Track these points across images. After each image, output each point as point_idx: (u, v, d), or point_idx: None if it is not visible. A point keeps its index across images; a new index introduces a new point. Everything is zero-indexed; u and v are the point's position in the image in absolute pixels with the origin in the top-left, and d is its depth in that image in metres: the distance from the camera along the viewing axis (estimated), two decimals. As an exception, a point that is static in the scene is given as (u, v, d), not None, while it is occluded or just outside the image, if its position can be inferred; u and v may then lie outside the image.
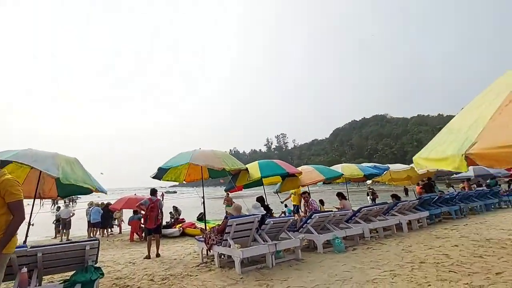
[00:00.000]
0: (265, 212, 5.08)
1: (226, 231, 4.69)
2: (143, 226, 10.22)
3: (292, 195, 11.34)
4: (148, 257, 6.44)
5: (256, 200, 5.88)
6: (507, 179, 17.99)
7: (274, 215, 6.40)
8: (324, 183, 8.83)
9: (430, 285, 3.78)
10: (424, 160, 2.47)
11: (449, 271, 4.31)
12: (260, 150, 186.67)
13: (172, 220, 12.24)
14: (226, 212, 15.83)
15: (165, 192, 44.15)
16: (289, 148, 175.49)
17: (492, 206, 12.29)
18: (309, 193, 7.23)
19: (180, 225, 11.51)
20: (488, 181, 15.25)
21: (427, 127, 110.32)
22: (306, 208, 7.02)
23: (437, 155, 2.16)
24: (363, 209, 6.92)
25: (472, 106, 2.29)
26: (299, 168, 7.62)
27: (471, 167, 16.09)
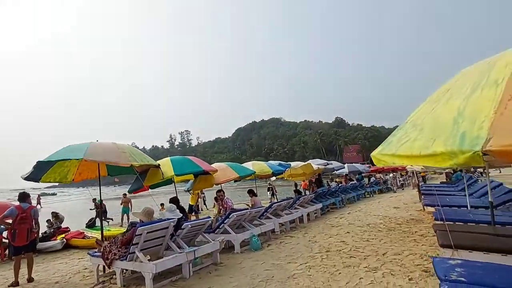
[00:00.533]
0: (181, 215, 4.45)
1: (134, 241, 3.83)
2: (5, 241, 7.70)
3: (191, 195, 10.71)
4: (15, 284, 4.75)
5: (170, 202, 5.14)
6: (368, 174, 22.29)
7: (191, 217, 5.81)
8: (234, 180, 8.69)
9: (340, 272, 4.05)
10: (391, 157, 2.43)
11: (350, 256, 4.79)
12: (162, 146, 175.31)
13: (51, 230, 9.75)
14: (124, 215, 13.90)
15: (41, 195, 34.67)
16: (193, 145, 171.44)
17: (361, 196, 14.99)
18: (223, 192, 6.92)
19: (63, 235, 9.27)
20: (357, 176, 18.49)
21: (311, 131, 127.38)
22: (221, 207, 6.67)
23: (414, 151, 2.10)
24: (274, 205, 7.10)
25: (438, 99, 2.41)
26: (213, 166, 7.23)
27: (346, 165, 19.33)
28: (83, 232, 9.57)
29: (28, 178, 4.64)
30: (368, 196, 16.06)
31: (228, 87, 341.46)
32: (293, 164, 11.69)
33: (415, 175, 16.51)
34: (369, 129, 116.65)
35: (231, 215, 5.36)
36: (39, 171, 4.81)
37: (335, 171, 17.05)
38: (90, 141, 4.82)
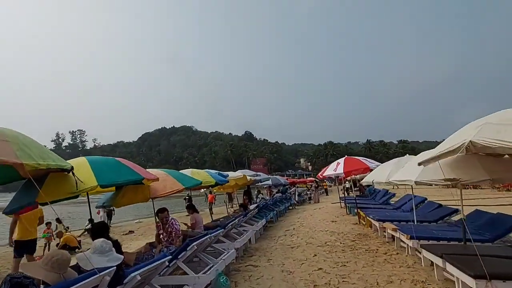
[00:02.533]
0: (121, 258, 2.40)
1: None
2: None
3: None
4: None
5: (95, 230, 2.97)
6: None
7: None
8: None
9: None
10: None
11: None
12: (45, 146, 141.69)
13: None
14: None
15: None
16: (88, 148, 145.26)
17: (287, 209, 14.76)
18: (167, 210, 4.84)
19: None
20: (281, 188, 18.46)
21: (221, 142, 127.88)
22: (164, 232, 4.57)
23: None
24: (229, 224, 5.52)
25: None
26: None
27: (270, 176, 19.17)
28: None
29: None
30: (291, 208, 16.02)
31: (137, 87, 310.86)
32: (231, 174, 10.30)
33: (337, 187, 17.42)
34: (273, 145, 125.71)
35: (189, 246, 3.55)
36: None
37: (261, 183, 16.47)
38: None
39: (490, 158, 3.96)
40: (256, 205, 9.32)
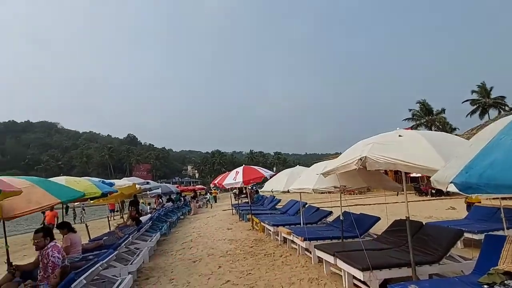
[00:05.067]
0: None
1: None
2: None
3: None
4: None
5: None
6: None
7: None
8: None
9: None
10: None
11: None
12: None
13: None
14: None
15: None
16: None
17: (179, 218, 13.81)
18: (50, 231, 3.27)
19: None
20: (174, 196, 17.16)
21: (97, 145, 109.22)
22: (40, 263, 3.03)
23: None
24: (122, 244, 4.47)
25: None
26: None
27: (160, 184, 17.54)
28: None
29: None
30: (183, 218, 15.12)
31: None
32: (117, 182, 8.69)
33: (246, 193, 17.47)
34: (160, 150, 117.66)
35: (75, 282, 2.56)
36: None
37: (150, 191, 14.79)
38: None
39: (364, 170, 4.94)
40: (149, 216, 8.17)
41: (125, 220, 9.65)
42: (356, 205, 14.04)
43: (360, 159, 3.37)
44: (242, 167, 9.34)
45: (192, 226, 11.26)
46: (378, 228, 6.04)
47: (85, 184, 5.87)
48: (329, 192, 5.80)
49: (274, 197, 12.54)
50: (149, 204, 17.30)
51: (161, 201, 16.62)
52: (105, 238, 6.18)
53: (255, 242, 7.23)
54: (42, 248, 3.33)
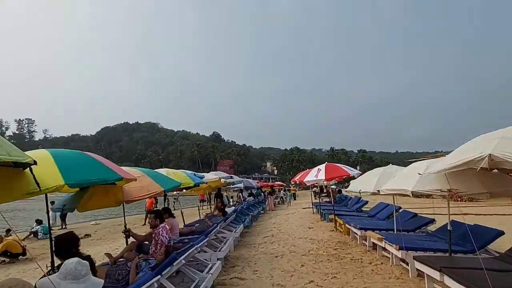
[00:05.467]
0: (100, 282, 1.77)
1: None
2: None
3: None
4: None
5: (60, 249, 2.26)
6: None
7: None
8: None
9: None
10: None
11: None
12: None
13: None
14: None
15: None
16: (36, 139, 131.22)
17: (260, 213, 14.42)
18: (162, 214, 4.07)
19: None
20: (255, 191, 18.09)
21: (188, 142, 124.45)
22: (153, 239, 3.76)
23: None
24: (212, 232, 4.96)
25: None
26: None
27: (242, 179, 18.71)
28: None
29: None
30: (263, 212, 15.73)
31: (98, 79, 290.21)
32: (206, 176, 9.68)
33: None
34: (241, 147, 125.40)
35: (176, 261, 2.98)
36: None
37: (233, 185, 15.95)
38: None
39: (484, 172, 4.01)
40: (233, 209, 8.82)
41: (212, 210, 10.71)
42: (465, 214, 11.71)
43: (485, 157, 2.74)
44: (324, 164, 9.02)
45: (272, 221, 11.57)
46: (498, 245, 4.92)
47: (181, 175, 6.75)
48: (428, 197, 4.98)
49: (361, 198, 11.65)
50: (232, 197, 18.64)
51: (241, 195, 17.74)
52: (196, 225, 6.96)
53: (339, 245, 6.89)
54: (154, 227, 4.01)
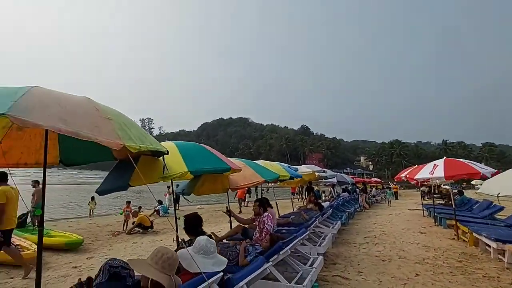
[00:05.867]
0: (225, 261, 2.05)
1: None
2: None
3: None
4: None
5: (189, 226, 2.71)
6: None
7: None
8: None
9: None
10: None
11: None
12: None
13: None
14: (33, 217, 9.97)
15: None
16: (155, 134, 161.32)
17: (356, 211, 13.53)
18: (264, 203, 4.45)
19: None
20: (350, 187, 17.16)
21: (277, 135, 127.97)
22: (257, 226, 4.10)
23: None
24: (311, 225, 4.95)
25: None
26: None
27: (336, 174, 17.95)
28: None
29: None
30: (359, 210, 14.72)
31: (198, 80, 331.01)
32: (300, 169, 9.73)
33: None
34: (331, 140, 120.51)
35: (283, 250, 3.09)
36: None
37: (327, 179, 15.47)
38: (31, 85, 2.20)
39: None
40: (328, 204, 8.56)
41: (304, 203, 10.69)
42: None
43: None
44: (443, 159, 7.65)
45: (372, 221, 10.68)
46: None
47: (277, 167, 6.97)
48: None
49: (492, 202, 9.40)
50: (324, 192, 18.17)
51: (333, 190, 17.05)
52: (292, 217, 7.08)
53: (463, 256, 5.76)
54: (258, 214, 4.28)
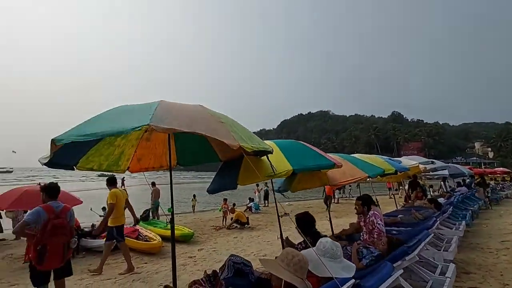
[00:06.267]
0: (354, 267, 1.91)
1: None
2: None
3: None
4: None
5: (303, 225, 2.68)
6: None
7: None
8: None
9: None
10: None
11: None
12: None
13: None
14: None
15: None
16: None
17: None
18: (368, 200, 4.17)
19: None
20: (467, 180, 14.48)
21: (362, 126, 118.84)
22: (363, 226, 3.85)
23: None
24: (433, 226, 4.28)
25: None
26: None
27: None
28: (138, 230, 7.83)
29: (52, 164, 2.35)
30: (485, 207, 12.19)
31: (276, 80, 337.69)
32: (403, 160, 8.66)
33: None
34: (432, 126, 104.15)
35: (409, 256, 2.72)
36: (71, 154, 2.70)
37: (436, 172, 13.35)
38: (158, 100, 2.56)
39: None
40: (445, 201, 7.32)
41: (409, 200, 9.44)
42: None
43: None
44: None
45: (508, 221, 8.65)
46: None
47: (378, 160, 6.30)
48: None
49: None
50: (431, 186, 15.81)
51: (444, 184, 14.58)
52: (400, 216, 6.32)
53: None
54: (361, 213, 3.94)
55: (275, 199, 4.76)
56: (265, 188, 17.47)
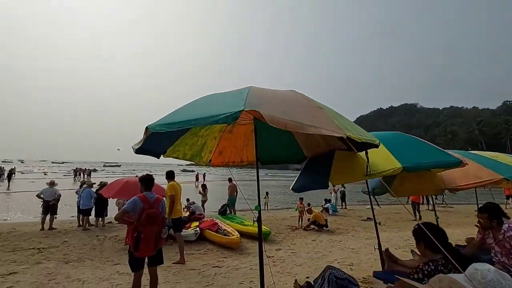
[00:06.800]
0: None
1: None
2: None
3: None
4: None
5: (424, 238, 2.13)
6: None
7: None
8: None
9: None
10: None
11: None
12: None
13: (187, 215, 8.69)
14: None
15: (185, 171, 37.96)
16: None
17: None
18: (497, 212, 3.29)
19: (197, 223, 8.05)
20: None
21: (461, 119, 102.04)
22: (496, 244, 2.99)
23: None
24: None
25: None
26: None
27: None
28: (217, 223, 8.13)
29: (142, 151, 2.45)
30: None
31: (353, 74, 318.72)
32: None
33: None
34: None
35: None
36: (162, 142, 2.76)
37: None
38: (248, 86, 2.36)
39: None
40: None
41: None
42: None
43: None
44: None
45: None
46: None
47: (508, 159, 4.97)
48: None
49: None
50: None
51: None
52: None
53: None
54: (487, 228, 3.03)
55: (370, 201, 4.12)
56: (342, 188, 16.38)
